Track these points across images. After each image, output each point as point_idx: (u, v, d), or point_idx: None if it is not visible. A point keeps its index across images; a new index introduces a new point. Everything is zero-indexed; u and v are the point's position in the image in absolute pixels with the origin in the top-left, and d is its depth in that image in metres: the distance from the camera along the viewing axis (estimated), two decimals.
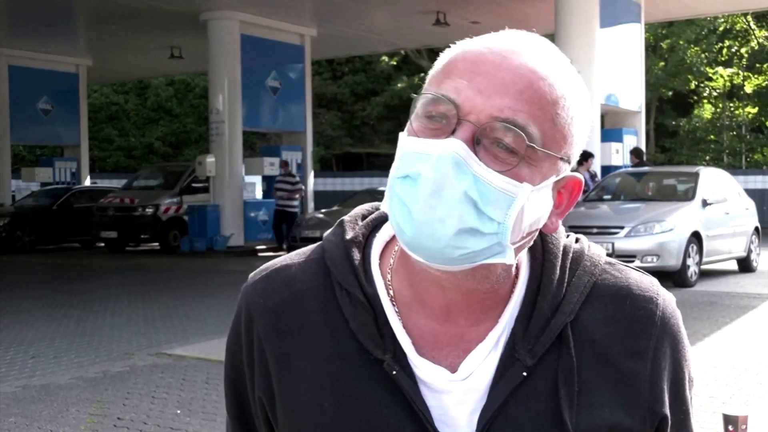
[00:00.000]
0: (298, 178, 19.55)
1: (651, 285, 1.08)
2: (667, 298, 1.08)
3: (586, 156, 14.39)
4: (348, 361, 1.03)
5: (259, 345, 1.08)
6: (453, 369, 1.01)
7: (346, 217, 1.14)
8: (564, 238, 1.09)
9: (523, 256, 1.05)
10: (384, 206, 1.00)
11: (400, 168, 0.96)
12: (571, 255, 1.07)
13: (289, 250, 17.51)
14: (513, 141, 0.93)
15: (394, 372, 1.00)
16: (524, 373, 1.00)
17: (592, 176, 14.80)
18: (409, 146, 0.96)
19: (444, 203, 0.92)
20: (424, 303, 1.04)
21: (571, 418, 0.99)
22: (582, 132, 1.02)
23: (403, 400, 1.00)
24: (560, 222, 1.04)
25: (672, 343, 1.06)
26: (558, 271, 1.05)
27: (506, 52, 0.96)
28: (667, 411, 1.05)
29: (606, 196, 14.01)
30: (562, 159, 0.98)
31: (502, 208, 0.93)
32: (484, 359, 1.01)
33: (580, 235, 1.12)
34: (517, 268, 1.05)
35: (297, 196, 19.21)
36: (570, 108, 0.98)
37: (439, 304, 1.03)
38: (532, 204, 0.96)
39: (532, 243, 1.03)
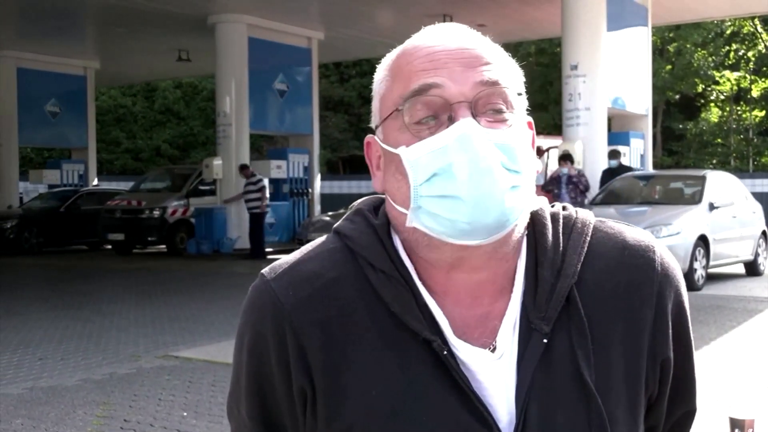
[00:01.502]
0: (258, 177, 18.33)
1: (645, 235, 1.13)
2: (662, 247, 1.12)
3: (566, 157, 14.55)
4: (393, 345, 1.03)
5: (294, 339, 1.05)
6: (485, 348, 1.04)
7: (362, 207, 1.15)
8: (550, 208, 1.13)
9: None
10: (410, 222, 1.03)
11: (420, 174, 1.00)
12: (561, 221, 1.11)
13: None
14: (500, 97, 1.03)
15: (445, 352, 1.01)
16: (545, 341, 1.03)
17: (579, 175, 14.63)
18: (417, 152, 1.00)
19: (485, 176, 0.98)
20: (448, 293, 1.06)
21: (591, 375, 1.02)
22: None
23: (451, 380, 1.01)
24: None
25: (674, 286, 1.10)
26: (551, 238, 1.08)
27: (453, 35, 1.06)
28: (671, 353, 1.09)
29: (613, 200, 13.99)
30: (519, 94, 1.07)
31: (520, 158, 1.02)
32: (510, 335, 1.04)
33: (565, 203, 1.16)
34: (519, 243, 1.09)
35: (262, 195, 18.13)
36: (501, 50, 1.08)
37: (465, 290, 1.05)
38: (527, 140, 1.06)
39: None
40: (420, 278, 1.06)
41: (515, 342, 1.03)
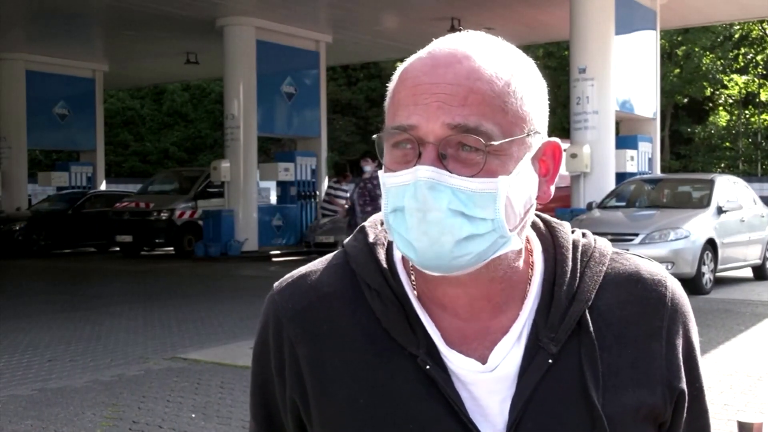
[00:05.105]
0: (343, 193, 19.33)
1: (658, 269, 1.14)
2: (675, 281, 1.14)
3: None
4: (381, 357, 1.06)
5: (290, 349, 1.11)
6: (483, 361, 1.06)
7: (366, 223, 1.18)
8: (572, 234, 1.15)
9: (537, 254, 1.11)
10: (390, 237, 1.06)
11: (389, 203, 1.02)
12: (580, 248, 1.13)
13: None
14: (473, 142, 0.98)
15: (428, 367, 1.04)
16: (550, 361, 1.04)
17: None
18: (390, 181, 1.02)
19: (434, 225, 0.98)
20: (446, 306, 1.08)
21: (598, 397, 1.04)
22: (538, 102, 1.05)
23: (437, 392, 1.03)
24: (552, 188, 1.09)
25: (683, 322, 1.12)
26: (570, 263, 1.10)
27: (440, 67, 1.01)
28: (684, 386, 1.10)
29: (621, 203, 13.98)
30: (528, 136, 1.03)
31: (489, 205, 0.99)
32: (510, 350, 1.06)
33: (585, 230, 1.17)
34: (532, 263, 1.10)
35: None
36: (516, 90, 1.02)
37: (461, 305, 1.07)
38: (516, 188, 1.01)
39: (532, 219, 1.09)
40: (418, 290, 1.09)
41: (519, 357, 1.05)
